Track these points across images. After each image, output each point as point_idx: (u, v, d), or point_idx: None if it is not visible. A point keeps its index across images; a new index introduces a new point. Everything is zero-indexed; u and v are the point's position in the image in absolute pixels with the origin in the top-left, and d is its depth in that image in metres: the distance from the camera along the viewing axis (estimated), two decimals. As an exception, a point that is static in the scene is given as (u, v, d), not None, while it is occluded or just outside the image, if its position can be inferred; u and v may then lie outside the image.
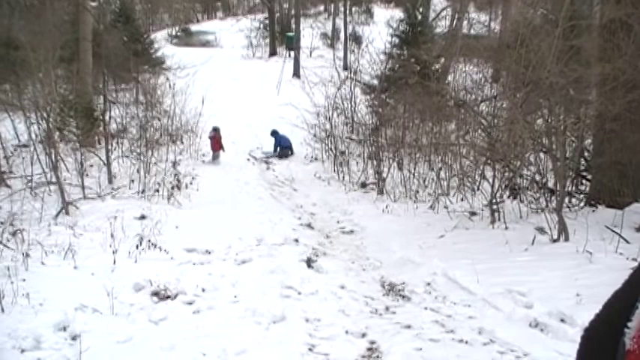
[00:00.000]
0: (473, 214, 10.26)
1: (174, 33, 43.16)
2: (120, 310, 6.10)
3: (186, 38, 42.58)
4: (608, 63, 8.67)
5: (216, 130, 16.58)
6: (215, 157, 16.45)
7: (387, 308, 6.57)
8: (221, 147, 16.55)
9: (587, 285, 6.24)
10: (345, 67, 26.06)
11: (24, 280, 6.50)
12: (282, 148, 17.24)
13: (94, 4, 17.33)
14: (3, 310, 5.76)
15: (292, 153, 17.31)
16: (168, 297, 6.64)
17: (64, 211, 9.81)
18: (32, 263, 7.14)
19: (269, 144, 17.73)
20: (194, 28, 46.55)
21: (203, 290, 6.87)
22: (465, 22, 28.30)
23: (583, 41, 11.12)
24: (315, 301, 6.67)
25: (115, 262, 7.48)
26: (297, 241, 9.20)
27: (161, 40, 33.56)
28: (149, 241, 8.33)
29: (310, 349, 5.45)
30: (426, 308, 6.50)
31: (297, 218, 10.98)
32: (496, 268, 7.29)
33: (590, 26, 12.24)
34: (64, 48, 16.28)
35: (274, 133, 17.43)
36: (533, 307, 6.05)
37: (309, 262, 8.07)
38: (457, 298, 6.65)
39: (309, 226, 10.48)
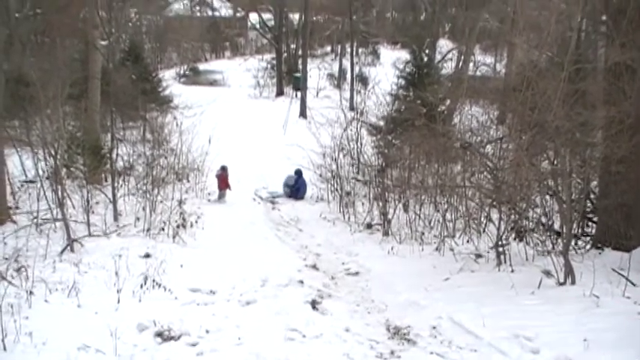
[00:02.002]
0: (479, 256, 10.20)
1: (182, 72, 43.58)
2: (123, 351, 6.06)
3: (194, 77, 42.98)
4: (614, 106, 8.72)
5: (224, 168, 16.61)
6: (221, 196, 16.46)
7: (392, 352, 6.50)
8: (227, 186, 16.56)
9: (595, 329, 6.18)
10: (352, 108, 26.20)
11: (27, 317, 6.48)
12: (299, 192, 17.13)
13: (104, 42, 17.56)
14: (5, 348, 5.74)
15: (302, 198, 17.21)
16: (171, 338, 6.60)
17: (69, 248, 9.81)
18: (36, 301, 7.13)
19: (275, 183, 17.72)
20: (202, 67, 47.00)
21: (207, 332, 6.82)
22: (471, 64, 28.58)
23: (588, 84, 11.21)
24: (319, 344, 6.61)
25: (119, 301, 7.45)
26: (302, 282, 9.14)
27: (169, 79, 33.90)
28: (153, 280, 8.30)
29: (314, 394, 5.39)
30: (431, 353, 6.43)
31: (303, 259, 10.94)
32: (502, 312, 7.23)
33: (595, 70, 12.35)
34: (73, 85, 16.48)
35: (299, 174, 17.25)
36: (540, 353, 5.98)
37: (313, 304, 8.03)
38: (463, 343, 6.58)
39: (314, 267, 10.43)
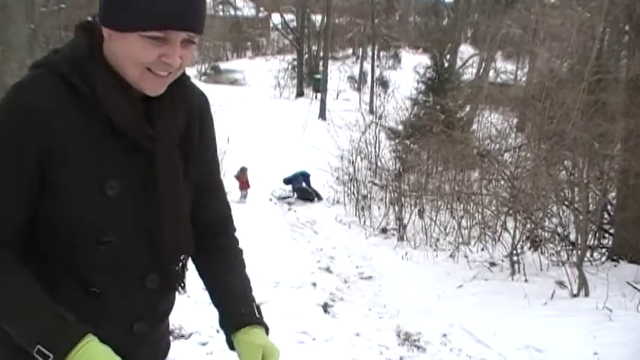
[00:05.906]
0: (493, 264, 10.16)
1: (203, 70, 43.81)
2: (134, 347, 6.10)
3: (215, 76, 43.16)
4: (633, 118, 8.67)
5: (243, 170, 16.63)
6: (243, 197, 16.45)
7: (401, 359, 6.50)
8: (248, 186, 16.55)
9: (606, 344, 6.15)
10: (371, 112, 26.24)
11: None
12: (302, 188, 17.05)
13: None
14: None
15: (316, 196, 17.02)
16: (182, 336, 6.64)
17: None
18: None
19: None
20: (223, 66, 47.20)
21: (217, 331, 6.81)
22: (492, 71, 28.49)
23: (608, 96, 11.15)
24: (329, 348, 6.62)
25: (132, 298, 7.50)
26: (314, 284, 9.14)
27: (190, 77, 34.00)
28: (167, 278, 8.35)
29: (322, 398, 5.41)
30: (440, 360, 6.44)
31: (317, 261, 10.93)
32: (514, 322, 7.20)
33: (616, 81, 12.28)
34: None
35: (301, 176, 17.17)
36: (550, 365, 5.98)
37: (325, 307, 8.04)
38: (473, 352, 6.57)
39: (328, 269, 10.43)
